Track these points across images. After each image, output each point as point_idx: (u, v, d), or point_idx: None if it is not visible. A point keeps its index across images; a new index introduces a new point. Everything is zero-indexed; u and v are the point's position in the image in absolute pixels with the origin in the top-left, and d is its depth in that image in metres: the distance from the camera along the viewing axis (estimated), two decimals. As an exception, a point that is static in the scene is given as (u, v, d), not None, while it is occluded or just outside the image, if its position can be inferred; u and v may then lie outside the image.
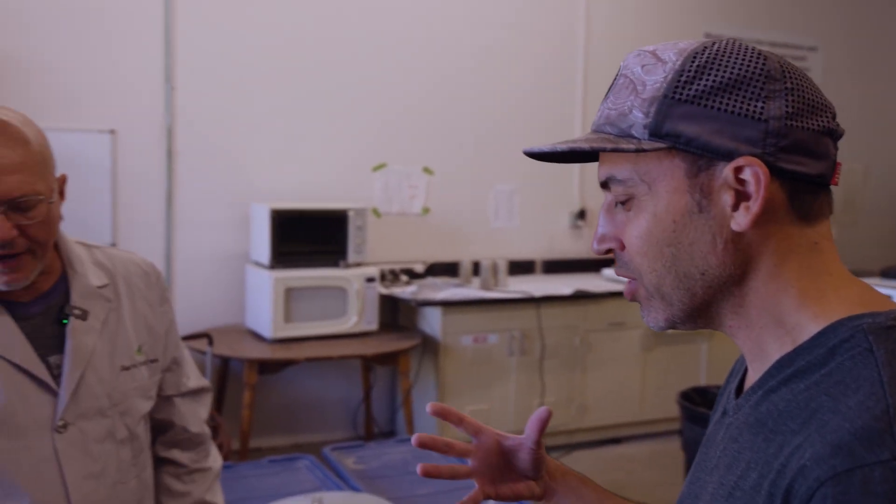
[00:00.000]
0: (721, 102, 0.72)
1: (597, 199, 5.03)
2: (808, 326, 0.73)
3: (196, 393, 1.69)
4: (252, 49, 4.34)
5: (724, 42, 0.76)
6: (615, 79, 0.79)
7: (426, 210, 4.82)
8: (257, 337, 4.12)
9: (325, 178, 4.55)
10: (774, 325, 0.76)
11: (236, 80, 4.32)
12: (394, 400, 4.74)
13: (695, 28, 5.44)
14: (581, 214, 5.18)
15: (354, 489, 2.11)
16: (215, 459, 1.72)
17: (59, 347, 1.42)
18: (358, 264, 4.22)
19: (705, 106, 0.73)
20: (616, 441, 4.77)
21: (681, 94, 0.73)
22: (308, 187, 4.50)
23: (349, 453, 2.44)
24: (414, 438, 0.97)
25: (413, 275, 4.75)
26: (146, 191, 4.18)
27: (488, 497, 1.00)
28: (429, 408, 0.98)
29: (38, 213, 1.32)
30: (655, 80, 0.75)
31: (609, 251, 0.82)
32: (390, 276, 4.63)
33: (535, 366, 4.47)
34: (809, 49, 5.97)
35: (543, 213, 5.12)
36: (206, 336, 3.86)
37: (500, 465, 1.01)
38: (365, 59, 4.60)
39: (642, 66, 0.76)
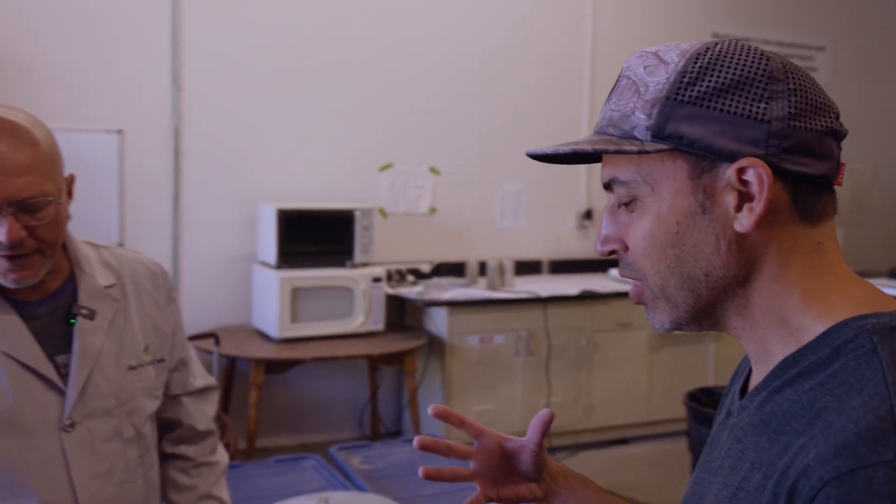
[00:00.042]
0: (724, 103, 0.72)
1: (603, 200, 4.99)
2: (813, 327, 0.73)
3: (203, 392, 1.70)
4: (259, 50, 4.35)
5: (727, 43, 0.75)
6: (618, 80, 0.79)
7: (433, 210, 4.82)
8: (264, 337, 4.12)
9: (331, 178, 4.55)
10: (778, 326, 0.75)
11: (243, 81, 4.33)
12: (400, 400, 4.74)
13: (702, 28, 5.43)
14: (588, 214, 5.18)
15: (360, 489, 2.11)
16: (222, 455, 1.72)
17: (67, 347, 1.43)
18: (364, 264, 4.22)
19: (708, 107, 0.73)
20: (623, 441, 4.76)
21: (683, 95, 0.73)
22: (314, 187, 4.50)
23: (355, 453, 2.44)
24: (415, 441, 0.97)
25: (419, 275, 4.75)
26: (153, 191, 4.19)
27: (490, 499, 0.99)
28: (430, 410, 0.98)
29: (47, 215, 1.33)
30: (658, 81, 0.75)
31: (612, 252, 0.82)
32: (397, 277, 4.63)
33: (542, 366, 4.47)
34: (817, 49, 5.95)
35: (550, 214, 5.12)
36: (212, 336, 3.87)
37: (502, 467, 1.01)
38: (371, 60, 4.60)
39: (645, 68, 0.76)
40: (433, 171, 4.81)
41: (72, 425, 1.40)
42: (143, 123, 4.15)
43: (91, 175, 3.85)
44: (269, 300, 4.03)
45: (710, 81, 0.73)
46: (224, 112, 4.31)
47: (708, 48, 0.75)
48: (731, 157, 0.72)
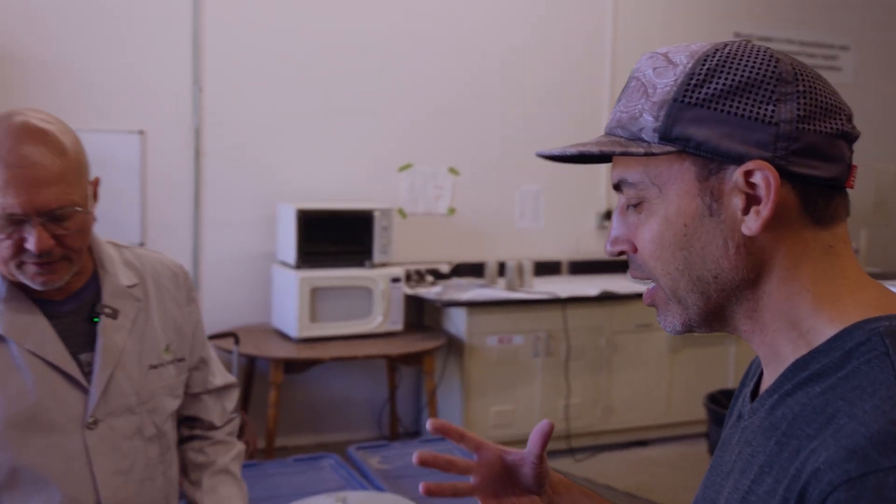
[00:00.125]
0: (731, 106, 0.72)
1: (623, 200, 4.99)
2: (824, 329, 0.73)
3: (222, 390, 1.71)
4: (279, 51, 4.37)
5: (736, 44, 0.75)
6: (628, 81, 0.79)
7: (452, 210, 4.82)
8: (283, 336, 4.14)
9: (351, 178, 4.57)
10: (788, 329, 0.75)
11: (263, 82, 4.35)
12: (419, 400, 4.75)
13: (724, 28, 5.39)
14: (608, 215, 5.15)
15: (378, 489, 2.11)
16: (237, 442, 1.74)
17: (90, 345, 1.44)
18: (383, 264, 4.23)
19: (715, 109, 0.72)
20: (642, 443, 4.73)
21: (690, 97, 0.73)
22: (334, 187, 4.52)
23: (374, 453, 2.44)
24: (415, 457, 0.97)
25: (438, 275, 4.75)
26: (174, 191, 4.22)
27: None
28: (429, 425, 0.98)
29: (74, 223, 1.35)
30: (666, 83, 0.75)
31: (622, 253, 0.82)
32: (416, 277, 4.63)
33: (561, 367, 4.46)
34: (841, 48, 5.89)
35: (569, 214, 5.10)
36: (232, 335, 3.89)
37: (503, 480, 1.00)
38: (391, 61, 4.61)
39: (654, 69, 0.76)
40: (452, 171, 4.81)
41: (95, 423, 1.42)
42: (165, 124, 4.18)
43: (113, 175, 3.88)
44: (289, 300, 4.05)
45: (717, 83, 0.72)
46: (244, 113, 4.33)
47: (717, 50, 0.74)
48: (739, 160, 0.72)
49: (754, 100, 0.72)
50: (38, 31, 3.93)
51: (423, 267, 4.70)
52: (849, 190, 0.76)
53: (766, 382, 0.78)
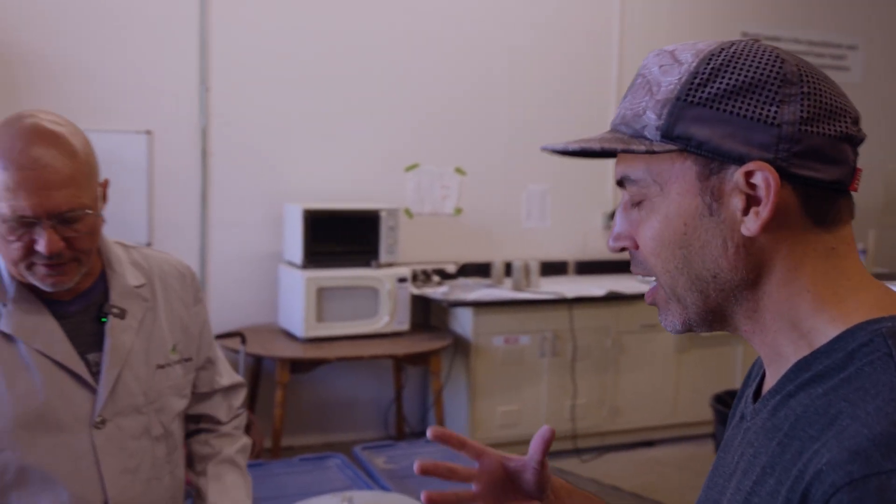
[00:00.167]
0: (734, 106, 0.72)
1: (630, 200, 4.98)
2: (826, 330, 0.72)
3: (229, 389, 1.71)
4: (286, 51, 4.37)
5: (743, 44, 0.74)
6: (635, 78, 0.79)
7: (458, 210, 4.82)
8: (290, 336, 4.15)
9: (357, 178, 4.57)
10: (789, 329, 0.75)
11: (270, 82, 4.36)
12: (425, 400, 4.75)
13: (731, 28, 5.38)
14: (614, 215, 5.14)
15: (384, 489, 2.11)
16: (243, 436, 1.74)
17: (98, 345, 1.45)
18: (390, 264, 4.23)
19: (718, 109, 0.72)
20: (648, 444, 4.73)
21: (693, 96, 0.73)
22: (340, 188, 4.52)
23: (380, 453, 2.44)
24: (416, 466, 0.97)
25: (445, 275, 4.75)
26: (181, 191, 4.24)
27: None
28: (429, 433, 0.98)
29: (85, 226, 1.36)
30: (670, 81, 0.74)
31: (624, 249, 0.82)
32: (422, 277, 4.63)
33: (567, 367, 4.45)
34: (849, 48, 5.87)
35: (576, 214, 5.10)
36: (239, 335, 3.90)
37: (505, 487, 1.00)
38: (397, 61, 4.61)
39: (659, 67, 0.76)
40: (459, 171, 4.81)
41: (102, 422, 1.42)
42: (172, 124, 4.19)
43: (120, 175, 3.89)
44: (295, 300, 4.06)
45: (721, 83, 0.72)
46: (251, 113, 4.34)
47: (723, 49, 0.74)
48: (740, 161, 0.72)
49: (757, 100, 0.71)
50: (45, 32, 3.95)
51: (429, 267, 4.70)
52: (857, 190, 0.75)
53: (769, 383, 0.78)
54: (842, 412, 0.66)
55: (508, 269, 4.70)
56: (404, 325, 4.20)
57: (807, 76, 0.72)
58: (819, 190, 0.72)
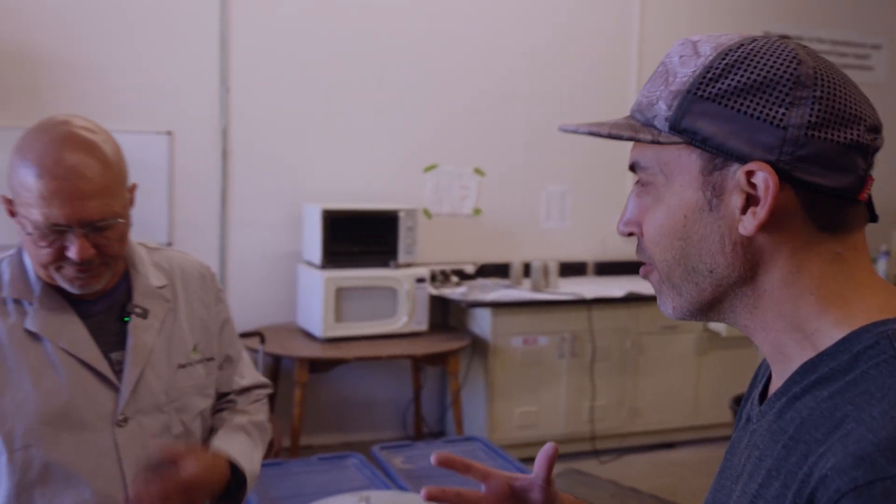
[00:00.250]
0: (742, 104, 0.71)
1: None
2: (831, 332, 0.72)
3: (249, 389, 1.71)
4: (305, 52, 4.39)
5: (763, 41, 0.73)
6: (658, 66, 0.79)
7: (477, 211, 4.82)
8: (308, 336, 4.16)
9: (376, 178, 4.58)
10: (792, 330, 0.74)
11: (290, 82, 4.37)
12: (443, 400, 4.75)
13: (753, 27, 5.33)
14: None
15: (402, 488, 2.12)
16: (263, 413, 1.72)
17: (121, 344, 1.47)
18: (408, 265, 4.23)
19: (726, 106, 0.72)
20: (668, 446, 4.70)
21: (704, 91, 0.73)
22: (359, 188, 4.53)
23: (398, 453, 2.44)
24: (423, 492, 0.97)
25: (463, 276, 4.74)
26: (201, 191, 4.26)
27: None
28: (433, 458, 0.98)
29: (115, 233, 1.38)
30: (685, 73, 0.74)
31: (632, 234, 0.82)
32: (440, 277, 4.63)
33: (586, 368, 4.43)
34: (873, 47, 5.80)
35: (596, 214, 5.07)
36: (258, 335, 3.92)
37: None
38: (417, 61, 4.61)
39: (680, 57, 0.76)
40: (478, 171, 4.81)
41: (124, 420, 1.44)
42: (192, 125, 4.22)
43: (141, 176, 3.89)
44: (314, 300, 4.07)
45: (733, 80, 0.72)
46: (271, 113, 4.36)
47: (742, 45, 0.73)
48: (743, 159, 0.71)
49: (767, 100, 0.71)
50: (66, 34, 3.98)
51: (448, 267, 4.70)
52: (866, 200, 0.74)
53: (775, 384, 0.78)
54: (847, 415, 0.65)
55: (527, 269, 4.69)
56: (423, 326, 4.20)
57: (823, 80, 0.71)
58: (823, 196, 0.71)
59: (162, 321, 1.52)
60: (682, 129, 0.74)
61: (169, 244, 4.08)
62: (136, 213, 1.49)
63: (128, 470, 1.43)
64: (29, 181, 1.31)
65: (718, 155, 0.72)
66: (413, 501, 1.83)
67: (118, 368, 1.45)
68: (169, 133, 4.17)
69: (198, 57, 4.21)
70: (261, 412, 1.71)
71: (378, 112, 4.56)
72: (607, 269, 5.12)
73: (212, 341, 1.61)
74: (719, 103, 0.72)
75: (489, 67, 4.77)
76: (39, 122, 1.38)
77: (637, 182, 0.81)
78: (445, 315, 4.65)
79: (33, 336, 1.40)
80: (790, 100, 0.70)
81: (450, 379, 4.26)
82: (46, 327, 1.41)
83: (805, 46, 0.75)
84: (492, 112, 4.80)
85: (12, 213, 1.38)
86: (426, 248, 4.54)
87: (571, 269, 5.01)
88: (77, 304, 1.44)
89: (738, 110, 0.71)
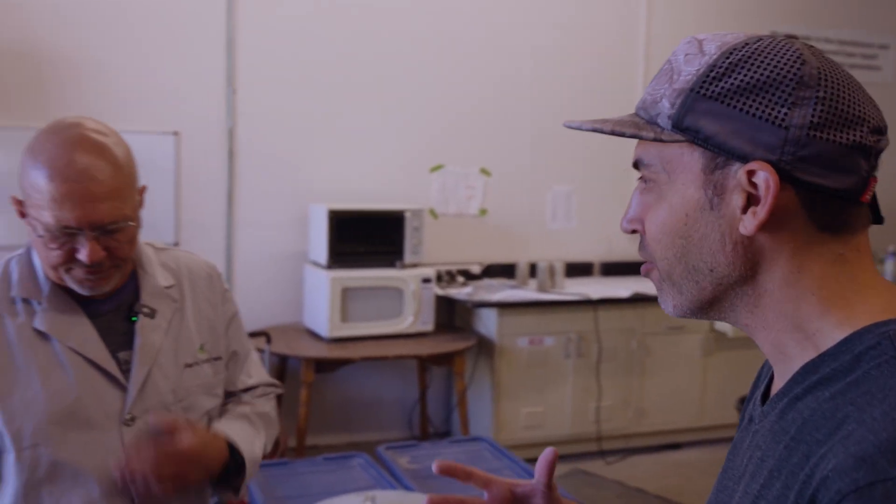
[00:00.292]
0: (745, 103, 0.71)
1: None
2: (832, 333, 0.72)
3: (256, 388, 1.71)
4: (311, 52, 4.40)
5: (769, 41, 0.73)
6: (664, 63, 0.80)
7: (483, 211, 4.82)
8: (314, 336, 4.17)
9: (382, 179, 4.58)
10: (794, 330, 0.74)
11: (296, 83, 4.38)
12: (449, 400, 4.75)
13: (760, 27, 5.32)
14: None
15: (407, 488, 2.12)
16: (268, 406, 1.72)
17: (128, 344, 1.48)
18: (414, 265, 4.23)
19: (729, 105, 0.72)
20: (674, 446, 4.69)
21: (707, 89, 0.73)
22: (365, 188, 4.54)
23: (403, 453, 2.44)
24: (434, 466, 0.98)
25: (469, 276, 4.75)
26: (208, 191, 4.27)
27: None
28: (434, 467, 0.99)
29: (125, 236, 1.39)
30: (689, 71, 0.75)
31: (635, 231, 0.82)
32: (446, 277, 4.63)
33: (592, 369, 4.43)
34: (881, 47, 5.78)
35: (602, 215, 5.07)
36: (264, 335, 3.93)
37: None
38: (423, 61, 4.62)
39: (685, 55, 0.76)
40: (484, 172, 4.81)
41: (132, 419, 1.44)
42: (199, 125, 4.23)
43: (148, 176, 3.91)
44: (320, 300, 4.07)
45: (736, 79, 0.72)
46: (277, 114, 4.37)
47: (746, 44, 0.73)
48: (744, 159, 0.71)
49: (769, 100, 0.70)
50: (73, 34, 4.00)
51: (454, 267, 4.70)
52: (868, 201, 0.73)
53: (777, 385, 0.78)
54: (848, 416, 0.65)
55: (533, 269, 4.69)
56: (429, 326, 4.20)
57: (827, 80, 0.71)
58: (824, 196, 0.71)
59: (169, 321, 1.53)
60: (684, 128, 0.74)
61: (175, 244, 4.09)
62: (144, 213, 1.49)
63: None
64: (40, 183, 1.31)
65: (720, 154, 0.73)
66: (419, 501, 1.83)
67: (126, 368, 1.46)
68: (175, 133, 4.18)
69: (204, 58, 4.22)
70: (267, 405, 1.71)
71: (384, 112, 4.57)
72: (613, 269, 5.12)
73: (218, 341, 1.61)
74: (722, 102, 0.72)
75: (495, 67, 4.77)
76: (50, 124, 1.39)
77: (640, 179, 0.81)
78: (451, 315, 4.65)
79: (42, 335, 1.41)
80: (793, 100, 0.70)
81: (456, 379, 4.26)
82: (55, 327, 1.41)
83: (811, 47, 0.74)
84: (498, 112, 4.80)
85: (22, 214, 1.39)
86: (432, 248, 4.54)
87: (577, 270, 5.00)
88: (85, 303, 1.45)
89: (741, 109, 0.71)
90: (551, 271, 4.55)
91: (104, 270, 1.39)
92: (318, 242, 4.17)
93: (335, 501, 1.82)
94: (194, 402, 1.54)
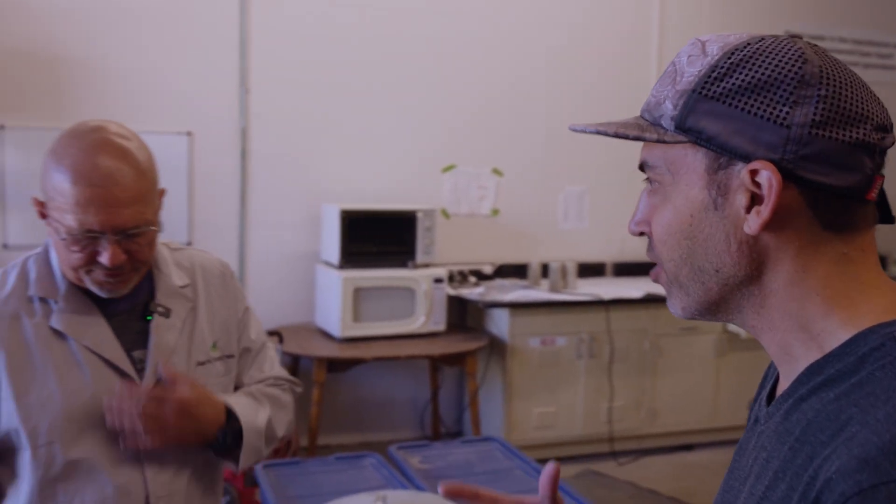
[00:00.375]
0: (746, 103, 0.71)
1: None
2: (837, 333, 0.72)
3: (265, 380, 1.72)
4: (324, 53, 4.41)
5: (771, 40, 0.73)
6: (668, 65, 0.80)
7: (495, 211, 4.82)
8: (326, 336, 4.18)
9: (394, 179, 4.59)
10: (799, 330, 0.74)
11: (309, 83, 4.39)
12: (461, 400, 4.75)
13: (775, 26, 5.29)
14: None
15: (419, 488, 2.12)
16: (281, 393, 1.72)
17: (143, 343, 1.49)
18: (426, 265, 4.24)
19: (730, 105, 0.72)
20: (687, 448, 4.67)
21: (709, 90, 0.73)
22: (378, 188, 4.55)
23: (415, 452, 2.44)
24: (440, 489, 0.98)
25: (481, 276, 4.74)
26: (221, 191, 4.29)
27: None
28: (440, 489, 0.99)
29: (146, 240, 1.41)
30: (692, 72, 0.75)
31: (643, 233, 0.83)
32: (458, 277, 4.63)
33: (604, 369, 4.42)
34: (895, 46, 5.74)
35: (614, 215, 5.06)
36: (276, 334, 3.94)
37: None
38: (435, 61, 4.62)
39: (688, 56, 0.76)
40: (496, 172, 4.80)
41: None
42: (212, 125, 4.25)
43: (161, 176, 3.95)
44: (332, 300, 4.08)
45: (737, 79, 0.72)
46: (290, 114, 4.38)
47: (748, 44, 0.73)
48: (747, 158, 0.71)
49: (771, 99, 0.70)
50: (87, 35, 4.02)
51: (466, 268, 4.70)
52: (874, 199, 0.73)
53: (782, 386, 0.78)
54: (852, 418, 0.65)
55: (545, 270, 4.68)
56: (440, 326, 4.21)
57: (828, 78, 0.71)
58: (828, 195, 0.71)
59: (184, 320, 1.54)
60: (687, 129, 0.74)
61: (188, 244, 4.11)
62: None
63: (148, 467, 1.45)
64: (64, 187, 1.33)
65: (723, 154, 0.73)
66: (430, 501, 1.84)
67: (140, 367, 1.47)
68: (189, 134, 4.20)
69: (217, 58, 4.23)
70: (277, 391, 1.70)
71: (396, 113, 4.57)
72: (625, 269, 5.11)
73: (231, 338, 1.62)
74: (724, 102, 0.72)
75: (507, 68, 4.77)
76: (73, 127, 1.40)
77: (646, 181, 0.81)
78: (463, 315, 4.65)
79: (58, 334, 1.42)
80: (794, 98, 0.70)
81: (467, 379, 4.26)
82: (71, 326, 1.42)
83: (815, 46, 0.74)
84: (510, 112, 4.80)
85: (44, 216, 1.40)
86: (444, 248, 4.54)
87: (589, 270, 4.99)
88: (101, 303, 1.46)
89: (742, 109, 0.71)
90: (563, 271, 4.54)
91: (124, 273, 1.41)
92: (331, 242, 4.18)
93: (346, 501, 1.83)
94: None
